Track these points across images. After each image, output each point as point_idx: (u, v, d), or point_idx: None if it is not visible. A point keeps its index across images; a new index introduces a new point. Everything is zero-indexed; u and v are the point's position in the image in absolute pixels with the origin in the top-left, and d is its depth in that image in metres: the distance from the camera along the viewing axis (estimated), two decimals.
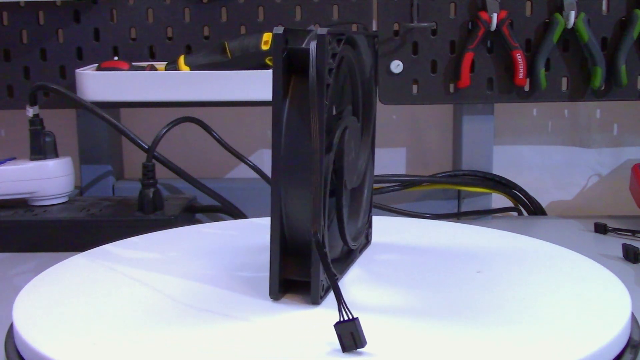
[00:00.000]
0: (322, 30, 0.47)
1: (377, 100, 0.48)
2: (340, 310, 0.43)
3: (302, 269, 0.50)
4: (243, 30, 0.93)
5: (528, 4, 0.92)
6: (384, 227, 0.67)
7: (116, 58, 0.92)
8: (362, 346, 0.42)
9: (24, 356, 0.46)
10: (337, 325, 0.43)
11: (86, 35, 0.94)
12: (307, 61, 0.47)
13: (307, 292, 0.50)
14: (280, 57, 0.47)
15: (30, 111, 0.83)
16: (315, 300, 0.49)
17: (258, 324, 0.47)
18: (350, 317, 0.43)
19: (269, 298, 0.50)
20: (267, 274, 0.50)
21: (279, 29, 0.47)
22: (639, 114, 1.02)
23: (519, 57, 0.91)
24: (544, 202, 1.00)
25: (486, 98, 0.94)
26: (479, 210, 0.98)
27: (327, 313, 0.48)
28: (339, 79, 0.53)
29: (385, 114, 1.01)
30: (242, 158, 0.91)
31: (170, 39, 0.94)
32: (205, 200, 0.90)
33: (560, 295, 0.51)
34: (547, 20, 0.92)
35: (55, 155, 0.84)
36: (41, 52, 0.95)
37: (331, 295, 0.46)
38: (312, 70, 0.47)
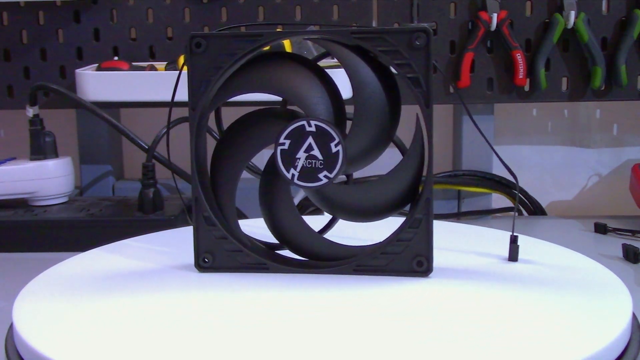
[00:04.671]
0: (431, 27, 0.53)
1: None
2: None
3: None
4: (243, 30, 0.93)
5: (528, 4, 0.92)
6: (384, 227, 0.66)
7: (116, 58, 0.92)
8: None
9: (24, 356, 0.46)
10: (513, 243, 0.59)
11: (86, 35, 0.94)
12: None
13: None
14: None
15: (30, 111, 0.83)
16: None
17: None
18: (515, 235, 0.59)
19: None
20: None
21: (426, 26, 0.53)
22: (639, 114, 1.02)
23: (519, 57, 0.91)
24: (544, 202, 1.00)
25: (486, 98, 0.94)
26: (479, 210, 0.98)
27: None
28: None
29: None
30: None
31: (170, 39, 0.94)
32: None
33: (561, 296, 0.51)
34: (547, 20, 0.92)
35: (55, 155, 0.84)
36: (41, 52, 0.95)
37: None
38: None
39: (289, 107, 0.58)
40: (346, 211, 0.57)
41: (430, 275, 0.54)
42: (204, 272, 0.56)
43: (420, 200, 0.54)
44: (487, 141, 0.55)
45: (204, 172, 0.57)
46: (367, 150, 0.55)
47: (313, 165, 0.53)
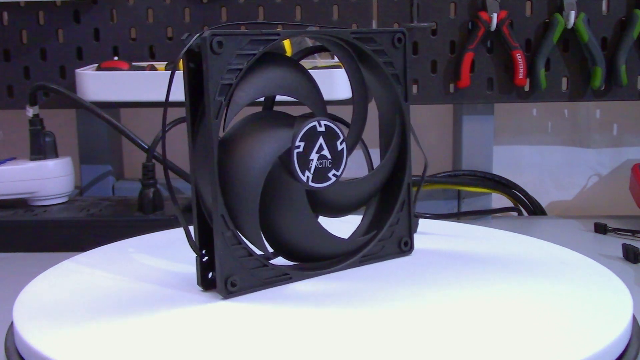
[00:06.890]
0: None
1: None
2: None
3: None
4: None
5: (528, 4, 0.92)
6: None
7: (116, 58, 0.92)
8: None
9: (24, 356, 0.46)
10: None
11: (86, 35, 0.94)
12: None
13: None
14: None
15: (30, 111, 0.83)
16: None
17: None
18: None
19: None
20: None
21: (403, 29, 0.57)
22: (639, 114, 1.02)
23: (519, 57, 0.91)
24: (544, 202, 1.00)
25: (486, 98, 0.94)
26: (479, 210, 0.98)
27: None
28: None
29: None
30: None
31: (170, 39, 0.94)
32: None
33: (561, 296, 0.51)
34: (547, 20, 0.92)
35: (55, 155, 0.84)
36: (41, 52, 0.95)
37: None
38: None
39: (275, 108, 0.57)
40: (331, 208, 0.57)
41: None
42: (230, 297, 0.51)
43: (402, 185, 0.58)
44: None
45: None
46: (351, 148, 0.57)
47: (324, 166, 0.53)
